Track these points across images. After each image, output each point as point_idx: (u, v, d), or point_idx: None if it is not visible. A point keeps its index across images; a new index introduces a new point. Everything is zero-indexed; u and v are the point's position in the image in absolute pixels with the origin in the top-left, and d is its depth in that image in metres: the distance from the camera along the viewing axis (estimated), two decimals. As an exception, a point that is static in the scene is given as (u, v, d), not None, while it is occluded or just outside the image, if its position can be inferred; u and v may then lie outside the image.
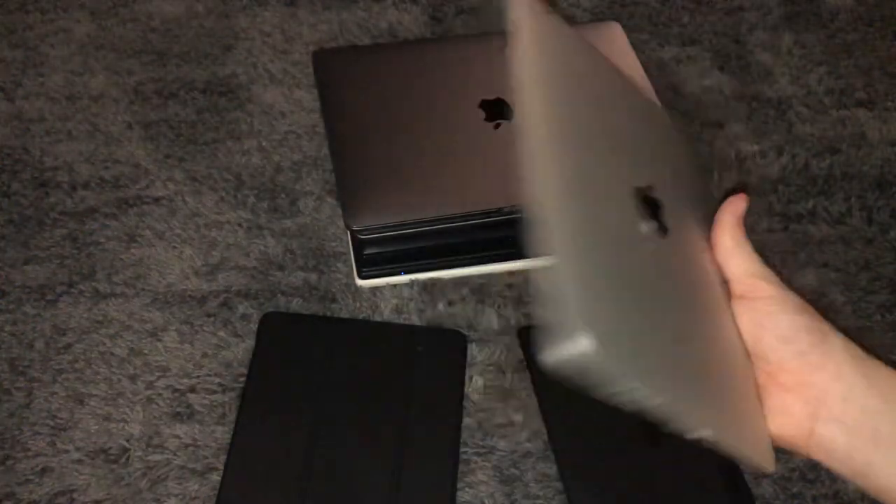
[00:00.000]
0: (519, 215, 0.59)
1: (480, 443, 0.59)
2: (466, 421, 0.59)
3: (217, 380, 0.61)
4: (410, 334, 0.62)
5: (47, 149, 0.72)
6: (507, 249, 0.65)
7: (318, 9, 0.81)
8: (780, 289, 0.41)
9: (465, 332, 0.63)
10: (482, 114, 0.66)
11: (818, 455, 0.40)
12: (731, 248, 0.42)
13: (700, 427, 0.35)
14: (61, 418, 0.59)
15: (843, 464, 0.39)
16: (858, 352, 0.40)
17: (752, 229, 0.69)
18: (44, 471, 0.57)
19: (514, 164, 0.35)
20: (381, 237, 0.63)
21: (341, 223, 0.67)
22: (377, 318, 0.64)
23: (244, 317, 0.64)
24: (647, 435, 0.57)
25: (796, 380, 0.39)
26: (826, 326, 0.40)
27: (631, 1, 0.84)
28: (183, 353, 0.62)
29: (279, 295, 0.65)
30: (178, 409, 0.60)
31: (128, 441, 0.58)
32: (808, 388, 0.39)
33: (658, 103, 0.67)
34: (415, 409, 0.58)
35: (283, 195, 0.70)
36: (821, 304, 0.55)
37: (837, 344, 0.39)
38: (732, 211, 0.43)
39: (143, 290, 0.65)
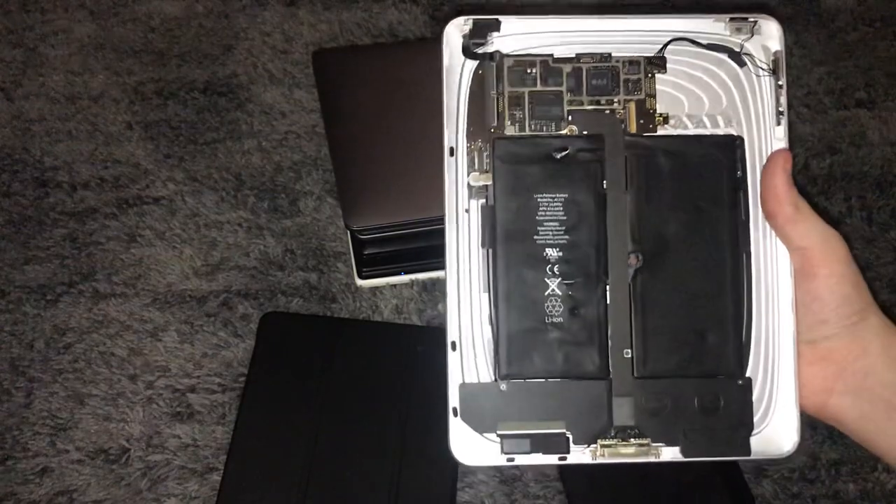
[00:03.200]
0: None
1: (480, 443, 0.59)
2: (466, 421, 0.59)
3: (217, 380, 0.61)
4: (410, 334, 0.62)
5: (47, 149, 0.72)
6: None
7: (318, 9, 0.81)
8: (842, 264, 0.38)
9: (465, 332, 0.63)
10: (482, 114, 0.66)
11: (829, 421, 0.40)
12: (791, 215, 0.38)
13: None
14: (61, 418, 0.59)
15: (854, 431, 0.40)
16: (889, 329, 0.39)
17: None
18: (44, 471, 0.57)
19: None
20: (381, 237, 0.63)
21: (341, 223, 0.67)
22: (377, 318, 0.64)
23: (244, 317, 0.64)
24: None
25: (820, 356, 0.40)
26: (869, 306, 0.39)
27: (631, 2, 0.84)
28: (183, 353, 0.62)
29: (279, 295, 0.65)
30: (178, 409, 0.60)
31: (128, 441, 0.58)
32: (830, 363, 0.39)
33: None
34: (415, 409, 0.59)
35: (283, 195, 0.70)
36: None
37: (872, 325, 0.39)
38: (785, 169, 0.39)
39: (143, 290, 0.65)
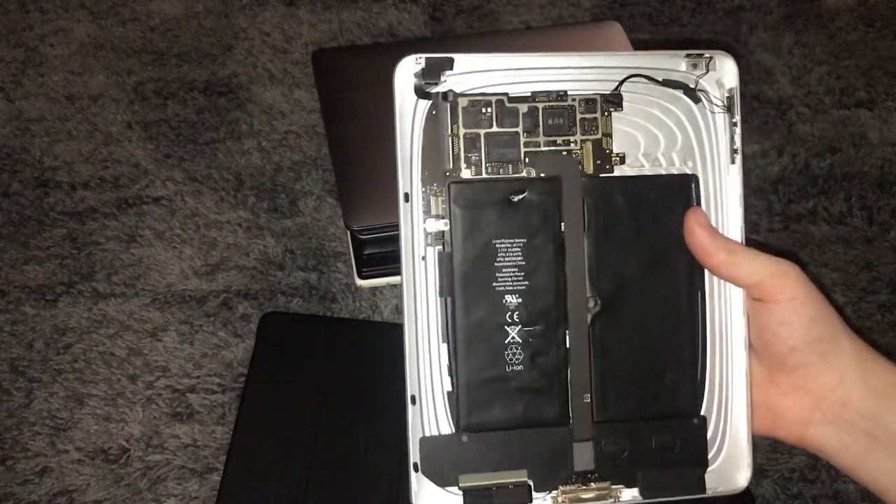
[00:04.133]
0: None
1: (480, 443, 0.59)
2: (466, 421, 0.59)
3: (217, 380, 0.61)
4: (410, 334, 0.62)
5: (47, 149, 0.72)
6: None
7: (318, 9, 0.81)
8: (801, 286, 0.39)
9: (465, 332, 0.63)
10: (482, 114, 0.66)
11: (810, 450, 0.40)
12: (726, 260, 0.39)
13: None
14: (61, 418, 0.59)
15: (834, 460, 0.40)
16: (865, 355, 0.39)
17: (753, 229, 0.70)
18: (44, 471, 0.57)
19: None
20: (381, 237, 0.63)
21: (341, 223, 0.67)
22: (377, 318, 0.64)
23: (244, 317, 0.64)
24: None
25: (796, 385, 0.39)
26: (838, 330, 0.39)
27: (631, 1, 0.84)
28: (183, 353, 0.62)
29: (279, 295, 0.65)
30: (178, 409, 0.60)
31: (128, 441, 0.58)
32: (807, 393, 0.39)
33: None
34: (415, 409, 0.58)
35: (283, 195, 0.70)
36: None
37: (846, 350, 0.39)
38: (700, 224, 0.39)
39: (142, 290, 0.65)
